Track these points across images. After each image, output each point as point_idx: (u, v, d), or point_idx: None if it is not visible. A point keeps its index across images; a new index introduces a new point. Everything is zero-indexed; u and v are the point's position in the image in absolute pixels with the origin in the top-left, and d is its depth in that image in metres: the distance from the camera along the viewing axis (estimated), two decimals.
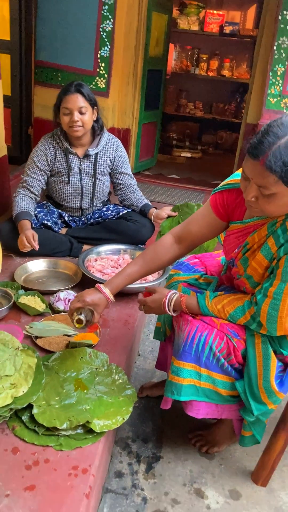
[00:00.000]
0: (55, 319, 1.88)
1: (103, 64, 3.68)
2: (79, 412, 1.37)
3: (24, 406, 1.35)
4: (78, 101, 2.23)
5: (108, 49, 3.63)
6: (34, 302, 1.95)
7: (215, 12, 5.46)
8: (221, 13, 5.50)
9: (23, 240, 2.16)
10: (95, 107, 2.33)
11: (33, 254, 2.29)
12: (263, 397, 1.35)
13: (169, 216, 2.50)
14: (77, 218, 2.60)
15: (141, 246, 2.48)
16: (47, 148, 2.39)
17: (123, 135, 4.11)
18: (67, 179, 2.44)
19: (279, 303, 1.25)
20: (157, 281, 2.11)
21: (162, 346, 1.75)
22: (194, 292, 1.51)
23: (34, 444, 1.29)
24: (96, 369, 1.57)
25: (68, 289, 2.06)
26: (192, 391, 1.39)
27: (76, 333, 1.78)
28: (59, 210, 2.57)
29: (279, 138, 1.08)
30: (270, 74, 3.47)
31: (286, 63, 3.42)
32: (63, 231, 2.53)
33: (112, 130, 3.81)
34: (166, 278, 1.81)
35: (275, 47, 3.41)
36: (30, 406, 1.37)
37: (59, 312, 1.94)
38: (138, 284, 2.04)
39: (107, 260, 2.32)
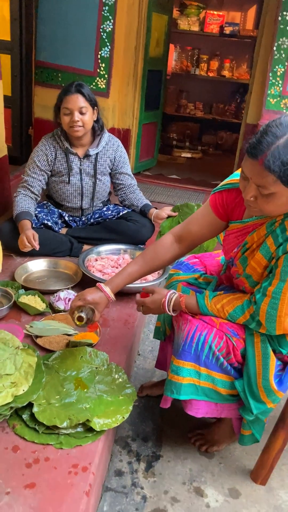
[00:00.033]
0: (55, 318, 1.88)
1: (103, 65, 3.69)
2: (79, 410, 1.38)
3: (25, 404, 1.36)
4: (78, 101, 2.24)
5: (108, 50, 3.64)
6: (35, 302, 1.95)
7: (215, 12, 5.47)
8: (221, 13, 5.51)
9: (24, 240, 2.17)
10: (96, 107, 2.34)
11: (33, 254, 2.30)
12: (262, 396, 1.36)
13: (169, 216, 2.51)
14: (77, 218, 2.61)
15: (141, 246, 2.49)
16: (48, 148, 2.40)
17: (123, 136, 4.12)
18: (67, 179, 2.45)
19: (278, 302, 1.26)
20: (157, 280, 2.12)
21: (162, 345, 1.76)
22: (193, 292, 1.51)
23: (34, 442, 1.30)
24: (96, 368, 1.57)
25: (68, 288, 2.07)
26: (191, 390, 1.39)
27: (76, 332, 1.79)
28: (60, 210, 2.58)
29: (277, 138, 1.09)
30: (270, 74, 3.48)
31: (286, 63, 3.42)
32: (63, 231, 2.54)
33: (112, 131, 3.82)
34: (166, 278, 1.82)
35: (275, 48, 3.41)
36: (30, 405, 1.38)
37: (59, 311, 1.95)
38: (138, 284, 2.05)
39: (107, 260, 2.33)
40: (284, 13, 3.32)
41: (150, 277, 2.17)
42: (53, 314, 1.92)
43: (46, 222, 2.44)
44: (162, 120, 4.92)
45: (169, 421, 1.73)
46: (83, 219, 2.61)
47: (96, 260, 2.32)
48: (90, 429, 1.34)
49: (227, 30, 5.35)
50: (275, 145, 1.08)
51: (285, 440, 1.46)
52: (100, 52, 3.66)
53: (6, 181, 2.97)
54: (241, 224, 1.36)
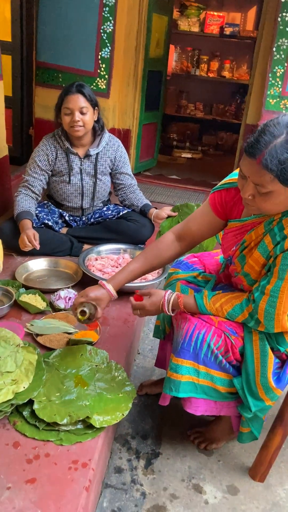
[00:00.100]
0: (56, 317, 1.90)
1: (103, 65, 3.70)
2: (79, 407, 1.39)
3: (25, 401, 1.37)
4: (79, 101, 2.25)
5: (108, 50, 3.65)
6: (35, 301, 1.97)
7: (215, 13, 5.48)
8: (221, 14, 5.52)
9: (24, 240, 2.18)
10: (96, 108, 2.36)
11: (34, 253, 2.32)
12: (261, 393, 1.37)
13: (169, 216, 2.52)
14: (78, 218, 2.62)
15: (141, 246, 2.50)
16: (48, 148, 2.42)
17: (124, 136, 4.13)
18: (68, 179, 2.46)
19: (276, 301, 1.27)
20: (156, 280, 2.13)
21: (162, 344, 1.77)
22: (192, 290, 1.53)
23: (34, 438, 1.32)
24: (96, 366, 1.59)
25: (68, 287, 2.08)
26: (190, 388, 1.41)
27: (77, 331, 1.80)
28: (60, 210, 2.59)
29: (275, 137, 1.10)
30: (270, 75, 3.49)
31: (286, 64, 3.44)
32: (64, 230, 2.55)
33: (112, 131, 3.84)
34: (165, 278, 1.83)
35: (274, 49, 3.43)
36: (31, 402, 1.39)
37: (60, 310, 1.96)
38: (138, 283, 2.06)
39: (107, 259, 2.34)
40: (284, 14, 3.33)
41: (150, 276, 2.19)
42: (54, 313, 1.94)
43: (46, 221, 2.45)
44: (162, 120, 4.93)
45: (168, 419, 1.75)
46: (84, 218, 2.62)
47: (96, 259, 2.34)
48: (90, 426, 1.36)
49: (227, 31, 5.36)
50: (273, 144, 1.10)
51: (283, 437, 1.47)
52: (100, 53, 3.67)
53: (7, 181, 2.99)
54: (239, 222, 1.37)
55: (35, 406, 1.37)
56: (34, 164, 2.43)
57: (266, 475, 1.52)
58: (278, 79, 3.49)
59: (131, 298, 1.50)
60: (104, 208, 2.63)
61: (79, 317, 1.50)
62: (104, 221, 2.58)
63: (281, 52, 3.42)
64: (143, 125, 4.30)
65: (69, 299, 1.98)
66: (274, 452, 1.48)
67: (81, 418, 1.35)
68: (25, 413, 1.38)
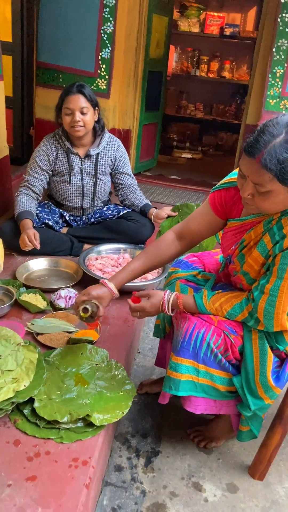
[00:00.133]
0: (56, 316, 1.90)
1: (104, 66, 3.71)
2: (80, 406, 1.40)
3: (26, 400, 1.38)
4: (79, 101, 2.26)
5: (109, 51, 3.66)
6: (36, 300, 1.98)
7: (215, 14, 5.49)
8: (221, 15, 5.53)
9: (25, 239, 2.19)
10: (97, 108, 2.37)
11: (34, 253, 2.33)
12: (260, 392, 1.38)
13: (168, 216, 2.53)
14: (78, 218, 2.63)
15: (141, 246, 2.51)
16: (49, 148, 2.43)
17: (124, 136, 4.14)
18: (68, 179, 2.47)
19: (276, 300, 1.28)
20: (156, 279, 2.14)
21: (162, 343, 1.78)
22: (191, 289, 1.54)
23: (35, 436, 1.32)
24: (96, 364, 1.60)
25: (69, 287, 2.09)
26: (190, 386, 1.41)
27: (77, 330, 1.81)
28: (60, 210, 2.60)
29: (274, 137, 1.11)
30: (270, 75, 3.50)
31: (285, 64, 3.44)
32: (64, 230, 2.56)
33: (112, 131, 3.84)
34: (165, 277, 1.84)
35: (274, 49, 3.44)
36: (31, 400, 1.40)
37: (60, 309, 1.97)
38: (137, 282, 2.07)
39: (108, 259, 2.35)
40: (284, 14, 3.34)
41: (149, 275, 2.19)
42: (54, 312, 1.95)
43: (47, 221, 2.46)
44: (163, 120, 4.94)
45: (168, 418, 1.75)
46: (84, 218, 2.63)
47: (97, 259, 2.34)
48: (90, 424, 1.36)
49: (227, 31, 5.37)
50: (272, 144, 1.10)
51: (283, 436, 1.48)
52: (100, 53, 3.68)
53: (8, 181, 3.00)
54: (239, 222, 1.38)
55: (36, 404, 1.38)
56: (34, 164, 2.44)
57: (265, 473, 1.53)
58: (278, 80, 3.50)
59: (129, 300, 1.50)
60: (104, 208, 2.64)
61: (81, 314, 1.50)
62: (104, 221, 2.59)
63: (281, 53, 3.43)
64: (143, 125, 4.31)
65: (69, 298, 1.99)
66: (273, 450, 1.49)
67: (81, 416, 1.35)
68: (26, 411, 1.39)
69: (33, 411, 1.38)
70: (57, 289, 2.04)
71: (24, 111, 4.07)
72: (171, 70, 5.92)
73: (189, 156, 5.68)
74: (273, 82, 3.51)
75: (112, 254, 2.42)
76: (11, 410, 1.38)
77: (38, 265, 2.32)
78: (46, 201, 2.62)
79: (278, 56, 3.45)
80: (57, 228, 2.50)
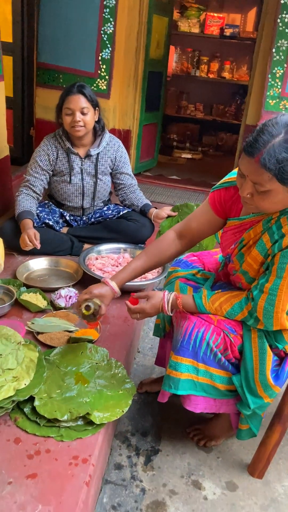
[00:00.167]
0: (56, 315, 1.91)
1: (104, 66, 3.72)
2: (80, 404, 1.40)
3: (26, 398, 1.39)
4: (80, 101, 2.27)
5: (109, 51, 3.67)
6: (36, 299, 1.98)
7: (215, 14, 5.50)
8: (221, 15, 5.55)
9: (25, 239, 2.20)
10: (97, 108, 2.37)
11: (35, 253, 2.33)
12: (259, 390, 1.39)
13: (168, 216, 2.54)
14: (78, 218, 2.64)
15: (141, 245, 2.52)
16: (49, 148, 2.43)
17: (124, 136, 4.15)
18: (68, 179, 2.48)
19: (275, 299, 1.29)
20: (156, 279, 2.15)
21: (162, 342, 1.79)
22: (191, 288, 1.54)
23: (35, 435, 1.33)
24: (96, 363, 1.60)
25: (69, 286, 2.10)
26: (190, 385, 1.42)
27: (77, 329, 1.82)
28: (61, 210, 2.61)
29: (273, 136, 1.12)
30: (269, 76, 3.51)
31: (285, 65, 3.45)
32: (65, 230, 2.57)
33: (113, 131, 3.85)
34: (165, 277, 1.85)
35: (274, 50, 3.45)
36: (31, 399, 1.41)
37: (60, 308, 1.98)
38: (137, 282, 2.07)
39: (108, 258, 2.36)
40: (283, 15, 3.35)
41: (149, 275, 2.20)
42: (54, 311, 1.95)
43: (47, 221, 2.47)
44: (163, 121, 4.95)
45: (168, 417, 1.76)
46: (84, 218, 2.64)
47: (97, 258, 2.35)
48: (90, 422, 1.37)
49: (227, 32, 5.39)
50: (271, 144, 1.11)
51: (282, 434, 1.48)
52: (101, 54, 3.69)
53: (8, 181, 3.01)
54: (238, 221, 1.39)
55: (36, 403, 1.39)
56: (35, 164, 2.44)
57: (264, 471, 1.54)
58: (277, 80, 3.50)
59: (127, 302, 1.50)
60: (105, 208, 2.64)
61: (84, 311, 1.51)
62: (104, 220, 2.60)
63: (281, 53, 3.44)
64: (144, 125, 4.32)
65: (69, 298, 2.00)
66: (272, 449, 1.50)
67: (81, 415, 1.36)
68: (26, 409, 1.40)
69: (34, 409, 1.38)
70: (57, 289, 2.05)
71: (25, 111, 4.07)
72: (171, 70, 5.94)
73: (189, 156, 5.69)
74: (272, 82, 3.52)
75: (112, 253, 2.43)
76: (11, 409, 1.39)
77: (39, 264, 2.33)
78: (46, 201, 2.63)
79: (277, 57, 3.46)
80: (58, 228, 2.51)
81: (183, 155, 5.65)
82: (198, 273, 1.62)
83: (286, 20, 3.36)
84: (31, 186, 2.43)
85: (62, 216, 2.60)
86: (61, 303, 1.98)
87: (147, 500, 1.43)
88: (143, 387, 1.87)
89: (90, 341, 1.73)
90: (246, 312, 1.36)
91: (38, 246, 2.21)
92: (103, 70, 3.73)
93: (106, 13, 3.57)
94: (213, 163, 5.64)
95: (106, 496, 1.42)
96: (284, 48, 3.42)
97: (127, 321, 1.97)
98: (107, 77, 3.75)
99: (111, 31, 3.62)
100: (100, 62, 3.72)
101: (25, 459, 1.25)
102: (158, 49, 4.25)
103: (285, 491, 1.51)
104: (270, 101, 3.56)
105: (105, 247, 2.44)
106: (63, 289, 2.03)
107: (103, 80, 3.76)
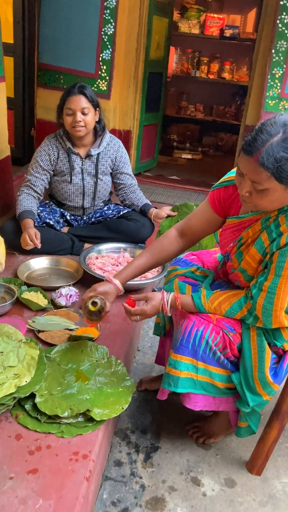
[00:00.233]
0: (57, 314, 1.93)
1: (104, 67, 3.74)
2: (80, 401, 1.42)
3: (27, 395, 1.40)
4: (81, 102, 2.29)
5: (109, 52, 3.69)
6: (37, 298, 2.00)
7: (215, 15, 5.52)
8: (221, 16, 5.56)
9: (26, 238, 2.22)
10: (98, 109, 2.39)
11: (35, 252, 2.35)
12: (258, 388, 1.40)
13: (168, 216, 2.55)
14: (79, 217, 2.65)
15: (141, 245, 2.53)
16: (50, 148, 2.45)
17: (124, 137, 4.16)
18: (69, 179, 2.49)
19: (274, 297, 1.30)
20: (156, 278, 2.16)
21: (162, 341, 1.80)
22: (189, 286, 1.55)
23: (36, 431, 1.35)
24: (97, 361, 1.62)
25: (69, 285, 2.11)
26: (189, 384, 1.43)
27: (78, 327, 1.84)
28: (61, 209, 2.62)
29: (272, 136, 1.13)
30: (269, 77, 3.53)
31: (284, 66, 3.47)
32: (65, 229, 2.58)
33: (113, 132, 3.87)
34: (164, 276, 1.86)
35: (273, 51, 3.46)
36: (32, 396, 1.42)
37: (61, 307, 2.00)
38: (137, 281, 2.09)
39: (108, 258, 2.38)
40: (282, 16, 3.37)
41: (149, 274, 2.22)
42: (55, 310, 1.97)
43: (48, 221, 2.49)
44: (163, 121, 4.97)
45: (167, 414, 1.78)
46: (85, 218, 2.65)
47: (97, 258, 2.37)
48: (90, 419, 1.39)
49: (227, 33, 5.40)
50: (269, 143, 1.13)
51: (280, 431, 1.50)
52: (101, 55, 3.71)
53: (9, 182, 3.02)
54: (237, 219, 1.40)
55: (37, 400, 1.40)
56: (36, 164, 2.46)
57: (263, 468, 1.55)
58: (277, 81, 3.52)
59: (125, 305, 1.50)
60: (105, 208, 2.66)
61: (91, 307, 1.51)
62: (104, 220, 2.61)
63: (280, 54, 3.46)
64: (144, 126, 4.33)
65: (70, 297, 2.01)
66: (270, 445, 1.51)
67: (81, 411, 1.38)
68: (27, 406, 1.41)
69: (34, 406, 1.40)
70: (58, 288, 2.06)
71: (25, 112, 4.08)
72: (171, 71, 5.95)
73: (189, 156, 5.70)
74: (272, 83, 3.53)
75: (112, 253, 2.44)
76: (12, 405, 1.41)
77: (39, 264, 2.34)
78: (47, 201, 2.65)
79: (277, 58, 3.47)
80: (58, 228, 2.53)
81: (183, 156, 5.67)
82: (197, 270, 1.63)
83: (285, 21, 3.38)
84: (32, 186, 2.45)
85: (62, 215, 2.62)
86: (62, 301, 2.00)
87: (146, 496, 1.44)
88: (143, 385, 1.88)
89: (91, 339, 1.74)
90: (245, 310, 1.37)
91: (39, 246, 2.22)
92: (103, 70, 3.75)
93: (107, 14, 3.59)
94: (213, 164, 5.65)
95: (106, 492, 1.44)
96: (283, 49, 3.43)
97: (127, 320, 1.98)
98: (107, 77, 3.76)
99: (111, 32, 3.63)
100: (101, 63, 3.73)
101: (26, 455, 1.26)
102: (158, 50, 4.27)
103: (283, 488, 1.52)
104: (270, 102, 3.57)
105: (105, 246, 2.45)
106: (64, 288, 2.05)
107: (103, 81, 3.78)
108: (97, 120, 2.41)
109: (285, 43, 3.42)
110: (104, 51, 3.69)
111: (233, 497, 1.47)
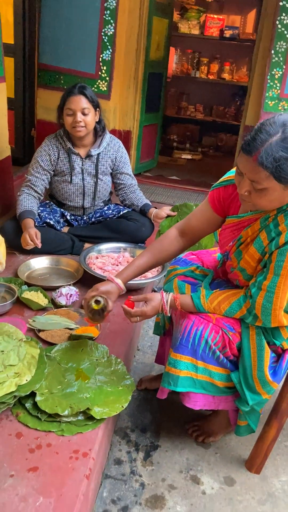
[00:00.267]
0: (57, 313, 1.93)
1: (104, 67, 3.75)
2: (80, 400, 1.43)
3: (28, 393, 1.41)
4: (81, 102, 2.30)
5: (109, 53, 3.70)
6: (37, 297, 2.01)
7: (215, 16, 5.54)
8: (221, 17, 5.58)
9: (26, 238, 2.22)
10: (98, 109, 2.40)
11: (36, 252, 2.36)
12: (258, 387, 1.41)
13: (168, 216, 2.56)
14: (79, 217, 2.66)
15: (141, 245, 2.54)
16: (51, 148, 2.46)
17: (124, 137, 4.17)
18: (69, 179, 2.50)
19: (273, 296, 1.31)
20: (156, 278, 2.17)
21: (162, 341, 1.81)
22: (189, 285, 1.56)
23: (37, 429, 1.35)
24: (97, 360, 1.62)
25: (70, 285, 2.12)
26: (189, 383, 1.44)
27: (78, 326, 1.84)
28: (62, 209, 2.63)
29: (271, 136, 1.14)
30: (268, 77, 3.54)
31: (284, 66, 3.48)
32: (65, 229, 2.59)
33: (113, 132, 3.88)
34: (164, 275, 1.87)
35: (273, 51, 3.47)
36: (33, 394, 1.43)
37: (61, 307, 2.00)
38: (137, 281, 2.10)
39: (108, 257, 2.38)
40: (282, 17, 3.38)
41: (149, 274, 2.22)
42: (55, 309, 1.98)
43: (48, 221, 2.49)
44: (163, 122, 4.98)
45: (167, 413, 1.78)
46: (85, 218, 2.66)
47: (97, 258, 2.38)
48: (90, 418, 1.39)
49: (227, 33, 5.42)
50: (268, 143, 1.14)
51: (279, 430, 1.51)
52: (101, 55, 3.72)
53: (9, 182, 3.03)
54: (236, 218, 1.41)
55: (37, 398, 1.41)
56: (36, 164, 2.47)
57: (262, 467, 1.56)
58: (276, 81, 3.53)
59: (124, 306, 1.51)
60: (105, 208, 2.67)
61: (94, 306, 1.52)
62: (104, 220, 2.62)
63: (279, 55, 3.47)
64: (144, 126, 4.34)
65: (70, 296, 2.02)
66: (269, 444, 1.52)
67: (82, 410, 1.38)
68: (28, 405, 1.42)
69: (35, 404, 1.41)
70: (58, 287, 2.07)
71: (26, 112, 4.09)
72: (171, 71, 5.96)
73: (189, 157, 5.71)
74: (271, 83, 3.54)
75: (112, 253, 2.45)
76: (13, 404, 1.41)
77: (40, 263, 2.35)
78: (47, 201, 2.66)
79: (276, 58, 3.48)
80: (58, 228, 2.53)
81: (183, 156, 5.68)
82: (197, 269, 1.64)
83: (285, 22, 3.39)
84: (33, 186, 2.45)
85: (63, 215, 2.63)
86: (62, 301, 2.01)
87: (146, 495, 1.45)
88: (143, 384, 1.89)
89: (91, 339, 1.75)
90: (244, 310, 1.38)
91: (39, 245, 2.23)
92: (103, 71, 3.76)
93: (107, 15, 3.60)
94: (213, 164, 5.65)
95: (106, 490, 1.44)
96: (282, 49, 3.44)
97: (126, 319, 1.97)
98: (107, 78, 3.77)
99: (111, 32, 3.64)
100: (101, 64, 3.74)
101: (26, 453, 1.27)
102: (158, 50, 4.28)
103: (282, 486, 1.53)
104: (269, 102, 3.58)
105: (105, 246, 2.46)
106: (64, 287, 2.05)
107: (103, 81, 3.78)
108: (97, 120, 2.42)
109: (284, 43, 3.43)
110: (104, 52, 3.70)
111: (232, 495, 1.47)
